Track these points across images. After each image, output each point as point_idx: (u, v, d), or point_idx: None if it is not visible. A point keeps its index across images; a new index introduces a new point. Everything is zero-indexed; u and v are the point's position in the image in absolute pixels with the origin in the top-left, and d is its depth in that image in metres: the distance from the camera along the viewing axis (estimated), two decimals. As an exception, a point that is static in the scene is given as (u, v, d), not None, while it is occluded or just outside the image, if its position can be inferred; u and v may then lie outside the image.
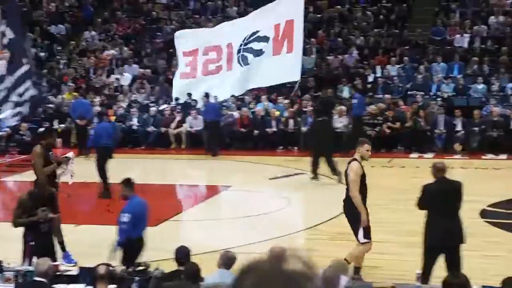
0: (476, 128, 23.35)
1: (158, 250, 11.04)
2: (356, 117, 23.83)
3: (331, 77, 28.21)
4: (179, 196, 18.50)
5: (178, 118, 25.12)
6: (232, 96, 24.70)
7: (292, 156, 23.14)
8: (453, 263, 9.30)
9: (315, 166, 18.79)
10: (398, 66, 28.11)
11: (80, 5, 35.22)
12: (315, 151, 19.07)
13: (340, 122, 24.42)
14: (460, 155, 22.79)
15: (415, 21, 31.38)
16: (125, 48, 31.70)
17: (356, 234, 10.50)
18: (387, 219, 14.51)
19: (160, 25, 33.35)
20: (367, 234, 10.42)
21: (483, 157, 22.30)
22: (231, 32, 23.49)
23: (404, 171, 20.49)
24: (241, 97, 27.04)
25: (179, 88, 25.51)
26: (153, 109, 26.00)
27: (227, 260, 8.39)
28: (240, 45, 23.09)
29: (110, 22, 34.17)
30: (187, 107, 25.36)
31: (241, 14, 32.13)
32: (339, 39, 30.31)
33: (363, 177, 10.36)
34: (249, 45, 23.12)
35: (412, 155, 23.05)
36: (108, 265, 8.65)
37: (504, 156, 22.32)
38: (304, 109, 25.28)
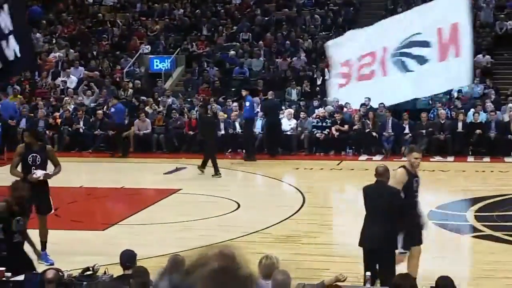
0: (424, 131, 23.63)
1: (106, 254, 10.93)
2: (247, 120, 23.72)
3: (279, 80, 28.30)
4: (127, 199, 18.34)
5: (126, 121, 24.94)
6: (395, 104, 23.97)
7: (241, 159, 23.10)
8: (381, 267, 9.35)
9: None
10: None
11: (27, 7, 34.72)
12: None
13: (288, 124, 24.53)
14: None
15: (362, 24, 31.59)
16: (71, 51, 31.37)
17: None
18: (337, 221, 14.58)
19: (106, 27, 33.09)
20: (406, 245, 10.21)
21: (431, 159, 22.55)
22: (386, 34, 22.35)
23: (353, 174, 20.62)
24: (190, 100, 26.98)
25: (337, 96, 24.63)
26: (99, 112, 25.76)
27: (175, 264, 8.32)
28: (396, 49, 22.12)
29: (56, 24, 33.79)
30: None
31: (187, 16, 32.09)
32: (287, 42, 30.42)
33: (409, 183, 10.10)
34: (407, 50, 22.01)
35: (361, 158, 23.22)
36: (56, 269, 8.53)
37: (451, 159, 22.61)
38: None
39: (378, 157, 23.20)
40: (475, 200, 15.93)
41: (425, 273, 9.80)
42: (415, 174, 10.05)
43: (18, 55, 11.08)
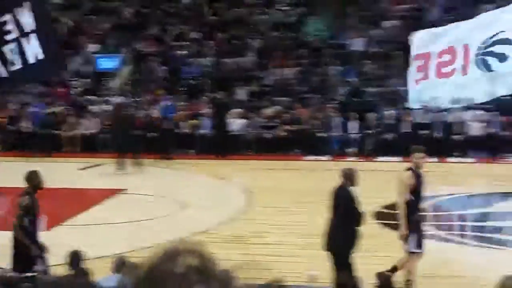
0: (371, 131, 23.80)
1: (51, 255, 10.76)
2: (163, 118, 23.77)
3: (228, 79, 28.25)
4: (72, 200, 18.12)
5: (71, 120, 24.66)
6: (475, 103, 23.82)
7: (187, 159, 22.99)
8: (335, 266, 9.41)
9: None
10: (295, 68, 28.36)
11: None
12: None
13: (236, 124, 24.51)
14: (354, 158, 23.15)
15: (311, 25, 31.72)
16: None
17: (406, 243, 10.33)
18: (284, 221, 14.60)
19: (53, 25, 32.61)
20: (419, 244, 10.19)
21: (377, 159, 22.72)
22: (468, 32, 21.75)
23: (300, 174, 20.66)
24: (139, 99, 26.78)
25: (415, 95, 24.14)
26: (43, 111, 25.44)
27: (120, 265, 8.26)
28: (479, 48, 21.47)
29: (1, 22, 33.21)
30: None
31: (136, 14, 31.85)
32: (237, 42, 30.39)
33: (418, 185, 10.07)
34: (490, 48, 21.39)
35: (308, 158, 23.27)
36: (1, 269, 8.41)
37: (397, 159, 22.78)
38: (201, 112, 25.25)
39: (326, 157, 23.28)
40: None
41: (371, 274, 9.84)
42: (421, 175, 10.16)
43: (40, 57, 10.42)
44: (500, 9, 22.90)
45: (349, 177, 9.96)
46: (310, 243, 12.78)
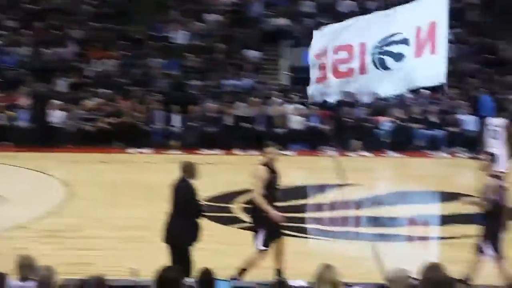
0: (193, 124, 23.80)
1: None
2: None
3: (47, 70, 27.36)
4: None
5: None
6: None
7: (5, 152, 22.12)
8: (177, 261, 9.31)
9: None
10: (117, 61, 27.92)
11: None
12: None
13: (56, 116, 23.85)
14: (177, 151, 23.11)
15: (135, 17, 31.40)
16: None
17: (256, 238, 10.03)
18: (103, 214, 14.31)
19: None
20: (266, 242, 9.95)
21: (200, 152, 22.78)
22: (365, 30, 21.92)
23: (121, 167, 20.35)
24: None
25: (315, 92, 23.09)
26: None
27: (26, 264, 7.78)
28: (376, 47, 21.71)
29: None
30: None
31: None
32: (56, 32, 29.51)
33: (271, 179, 9.82)
34: (387, 48, 21.78)
35: (129, 151, 22.98)
36: None
37: (219, 152, 22.94)
38: (19, 103, 24.36)
39: (147, 150, 23.08)
40: (241, 192, 16.19)
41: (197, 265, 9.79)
42: (274, 170, 10.05)
43: None
44: (396, 8, 23.98)
45: (189, 170, 9.87)
46: (130, 236, 12.62)
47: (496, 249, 10.00)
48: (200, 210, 9.92)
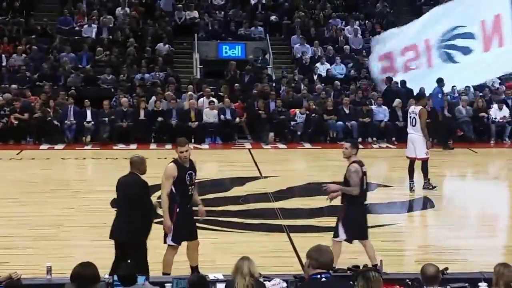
0: (106, 119, 23.59)
1: None
2: None
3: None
4: None
5: None
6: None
7: None
8: (131, 259, 9.20)
9: None
10: (25, 55, 27.40)
11: None
12: None
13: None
14: (90, 146, 22.89)
15: (42, 10, 30.91)
16: None
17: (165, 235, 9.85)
18: (16, 213, 14.06)
19: None
20: (176, 237, 9.81)
21: (114, 147, 22.61)
22: (425, 27, 22.85)
23: (33, 163, 20.03)
24: None
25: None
26: None
27: None
28: (440, 41, 22.75)
29: None
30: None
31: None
32: (-39, 26, 28.76)
33: (180, 177, 9.61)
34: (451, 42, 22.68)
35: (42, 147, 22.65)
36: None
37: (134, 146, 22.82)
38: None
39: (60, 146, 22.82)
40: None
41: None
42: (187, 167, 9.84)
43: None
44: (457, 1, 24.14)
45: (137, 165, 9.66)
46: (42, 234, 12.43)
47: (362, 233, 10.37)
48: (151, 205, 9.73)
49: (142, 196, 9.53)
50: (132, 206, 9.43)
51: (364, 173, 10.34)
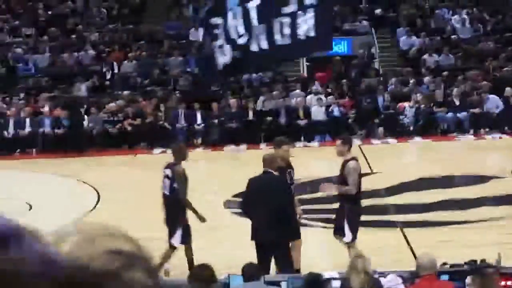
0: (215, 121, 24.06)
1: None
2: None
3: (67, 75, 27.72)
4: None
5: None
6: None
7: (30, 159, 22.52)
8: (277, 259, 9.44)
9: None
10: (135, 61, 28.23)
11: None
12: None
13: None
14: (201, 148, 23.37)
15: (149, 16, 31.71)
16: None
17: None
18: (136, 216, 14.56)
19: None
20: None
21: (224, 148, 23.05)
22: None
23: (147, 167, 20.63)
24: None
25: None
26: None
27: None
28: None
29: None
30: None
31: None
32: (73, 36, 29.87)
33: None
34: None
35: (155, 151, 23.26)
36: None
37: (244, 147, 23.17)
38: (42, 109, 24.70)
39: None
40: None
41: (230, 263, 10.03)
42: (288, 165, 10.09)
43: (312, 34, 9.44)
44: None
45: (269, 162, 9.76)
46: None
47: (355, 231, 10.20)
48: (291, 202, 9.84)
49: (283, 194, 9.64)
50: (274, 205, 9.40)
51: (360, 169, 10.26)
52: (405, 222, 13.31)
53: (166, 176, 10.43)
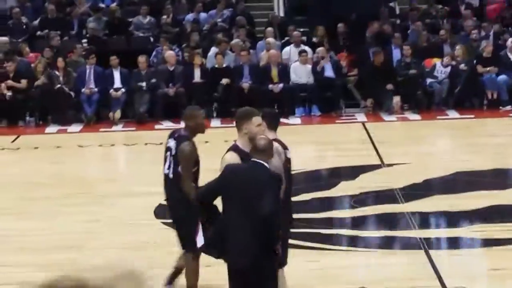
0: (144, 84, 23.83)
1: None
2: None
3: None
4: None
5: None
6: None
7: None
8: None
9: None
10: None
11: None
12: None
13: None
14: (121, 126, 23.17)
15: None
16: None
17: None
18: (13, 230, 14.35)
19: None
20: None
21: (157, 126, 22.89)
22: None
23: (37, 155, 20.41)
24: None
25: None
26: None
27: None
28: None
29: None
30: None
31: None
32: None
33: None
34: None
35: (48, 129, 23.00)
36: None
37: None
38: None
39: (76, 127, 23.23)
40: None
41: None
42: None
43: None
44: None
45: (268, 150, 9.82)
46: (54, 261, 12.62)
47: None
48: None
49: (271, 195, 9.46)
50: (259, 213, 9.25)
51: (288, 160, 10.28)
52: (431, 240, 13.19)
53: (169, 150, 10.44)
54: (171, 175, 10.44)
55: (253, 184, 9.05)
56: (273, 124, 10.34)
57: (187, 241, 10.31)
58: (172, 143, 10.48)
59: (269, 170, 9.23)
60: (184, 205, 10.27)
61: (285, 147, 10.23)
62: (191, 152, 10.30)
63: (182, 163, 10.29)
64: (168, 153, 10.50)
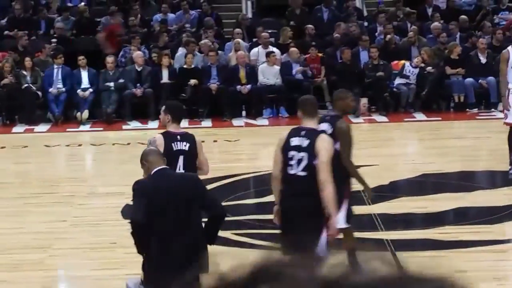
0: (112, 84, 23.77)
1: None
2: None
3: None
4: None
5: None
6: None
7: None
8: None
9: None
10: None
11: None
12: None
13: None
14: (89, 126, 23.09)
15: None
16: None
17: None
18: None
19: None
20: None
21: (124, 127, 22.82)
22: None
23: (3, 155, 20.31)
24: None
25: None
26: None
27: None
28: None
29: None
30: None
31: None
32: None
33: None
34: None
35: (15, 129, 22.93)
36: None
37: (155, 124, 22.96)
38: None
39: (43, 127, 23.12)
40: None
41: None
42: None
43: None
44: None
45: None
46: (20, 261, 12.57)
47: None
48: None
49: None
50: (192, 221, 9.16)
51: None
52: (398, 242, 13.22)
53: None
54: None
55: None
56: (172, 115, 10.60)
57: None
58: (325, 126, 10.89)
59: None
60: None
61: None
62: (349, 128, 10.90)
63: (343, 139, 10.70)
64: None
